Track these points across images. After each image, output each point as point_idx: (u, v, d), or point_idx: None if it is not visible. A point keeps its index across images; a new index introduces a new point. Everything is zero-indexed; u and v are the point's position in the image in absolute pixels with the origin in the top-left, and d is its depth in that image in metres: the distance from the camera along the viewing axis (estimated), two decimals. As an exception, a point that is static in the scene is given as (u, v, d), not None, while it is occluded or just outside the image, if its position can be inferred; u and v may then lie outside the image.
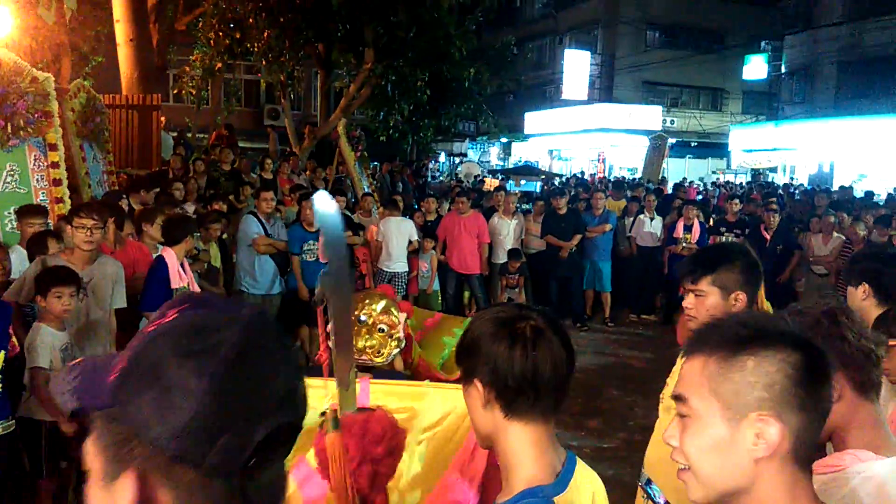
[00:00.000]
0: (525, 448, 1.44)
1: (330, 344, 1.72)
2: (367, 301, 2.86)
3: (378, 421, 1.68)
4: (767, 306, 2.55)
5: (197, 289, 5.33)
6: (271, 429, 0.76)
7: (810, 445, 1.12)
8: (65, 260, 4.32)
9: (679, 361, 2.49)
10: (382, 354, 2.82)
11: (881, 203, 13.23)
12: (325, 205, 1.66)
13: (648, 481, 1.67)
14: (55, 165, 6.06)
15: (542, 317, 1.48)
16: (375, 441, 1.67)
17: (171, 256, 5.05)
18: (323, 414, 1.65)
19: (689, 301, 2.33)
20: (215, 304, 0.82)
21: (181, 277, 5.07)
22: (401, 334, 2.91)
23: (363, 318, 2.79)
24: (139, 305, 4.89)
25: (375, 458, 1.67)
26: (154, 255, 5.33)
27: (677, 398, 1.18)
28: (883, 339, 1.79)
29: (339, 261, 1.67)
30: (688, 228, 9.32)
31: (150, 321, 0.80)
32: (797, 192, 17.28)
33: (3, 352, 3.61)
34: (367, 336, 2.76)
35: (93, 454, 0.78)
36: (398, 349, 2.90)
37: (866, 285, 2.75)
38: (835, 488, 1.47)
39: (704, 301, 2.28)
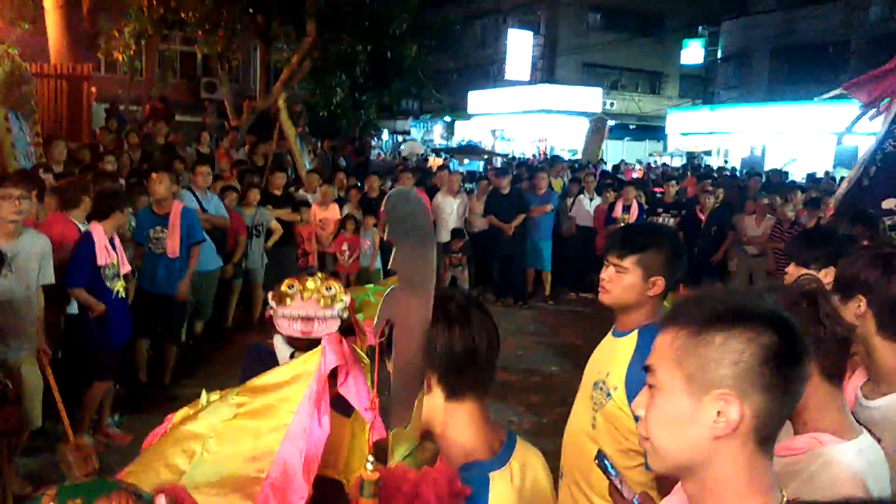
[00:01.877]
0: (464, 427, 1.47)
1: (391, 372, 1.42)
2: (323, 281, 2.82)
3: (433, 485, 1.35)
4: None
5: (127, 266, 5.13)
6: None
7: (775, 427, 1.11)
8: (-14, 234, 4.11)
9: (603, 343, 2.49)
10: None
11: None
12: (405, 201, 1.32)
13: (603, 458, 1.68)
14: (-23, 135, 5.75)
15: (464, 296, 1.51)
16: None
17: (98, 232, 4.84)
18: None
19: (607, 273, 2.31)
20: None
21: (109, 254, 4.88)
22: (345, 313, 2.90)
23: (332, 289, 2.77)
24: (64, 282, 4.69)
25: None
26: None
27: (646, 369, 1.17)
28: (854, 328, 1.80)
29: (417, 276, 1.33)
30: (626, 209, 9.49)
31: None
32: (727, 174, 17.72)
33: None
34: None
35: None
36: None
37: (833, 269, 2.76)
38: (795, 471, 1.49)
39: (623, 277, 2.27)
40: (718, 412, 1.06)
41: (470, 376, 1.45)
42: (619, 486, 1.64)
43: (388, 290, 1.30)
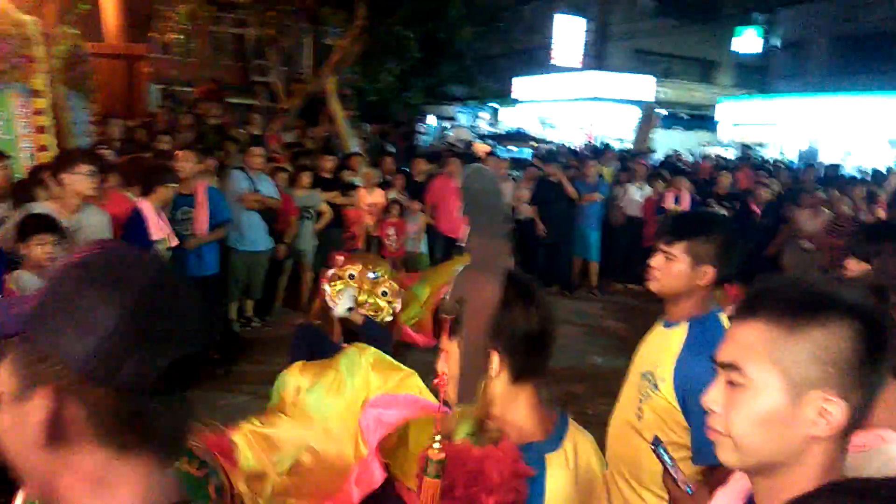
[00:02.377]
0: (522, 408, 1.47)
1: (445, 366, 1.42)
2: (373, 264, 2.85)
3: (497, 463, 1.32)
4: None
5: (176, 241, 5.22)
6: (176, 357, 0.84)
7: (861, 423, 1.07)
8: (52, 208, 4.23)
9: (652, 333, 2.46)
10: (378, 316, 2.83)
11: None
12: (481, 178, 1.30)
13: (659, 444, 1.65)
14: (40, 112, 5.90)
15: (522, 275, 1.51)
16: (487, 489, 1.31)
17: (147, 208, 4.93)
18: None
19: (657, 261, 2.27)
20: (116, 245, 0.91)
21: (160, 228, 4.97)
22: (398, 304, 2.92)
23: (376, 275, 2.78)
24: None
25: None
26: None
27: (728, 365, 1.09)
28: None
29: (489, 254, 1.32)
30: (677, 200, 9.32)
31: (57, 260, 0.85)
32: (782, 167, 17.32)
33: (-1, 297, 3.55)
34: (369, 293, 2.75)
35: (6, 375, 0.84)
36: (391, 317, 2.90)
37: None
38: (856, 467, 1.45)
39: (672, 265, 2.22)
40: (819, 412, 1.02)
41: (539, 358, 1.47)
42: (673, 474, 1.62)
43: (461, 267, 1.29)
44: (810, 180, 10.59)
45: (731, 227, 2.33)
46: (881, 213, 8.13)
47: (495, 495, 1.29)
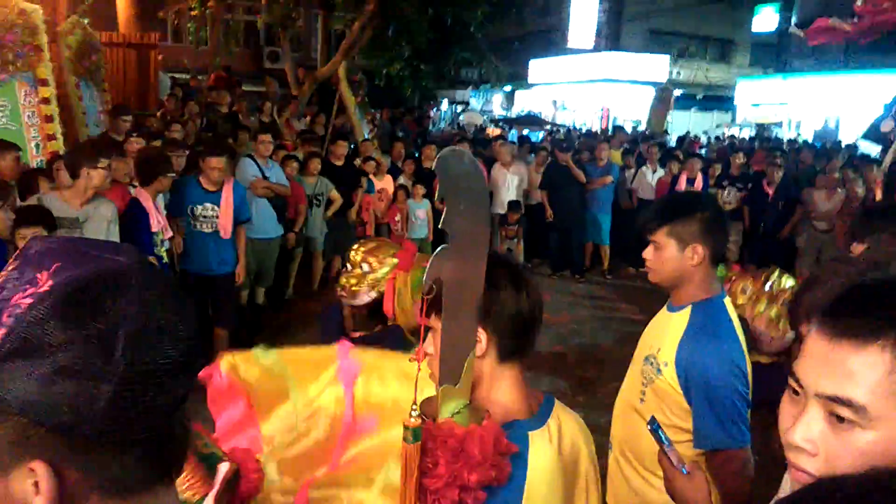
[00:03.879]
0: (507, 388, 1.50)
1: (429, 347, 1.43)
2: (382, 253, 2.79)
3: (478, 441, 1.32)
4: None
5: (170, 231, 5.23)
6: (179, 392, 0.74)
7: None
8: (60, 198, 4.26)
9: (657, 317, 2.41)
10: (355, 296, 2.76)
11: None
12: (458, 161, 1.28)
13: (656, 425, 1.66)
14: (46, 101, 5.93)
15: (509, 259, 1.54)
16: (469, 466, 1.31)
17: (145, 198, 4.93)
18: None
19: (648, 252, 2.26)
20: (89, 258, 0.72)
21: (159, 220, 4.98)
22: (382, 286, 2.86)
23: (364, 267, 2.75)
24: None
25: (465, 485, 1.31)
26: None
27: (837, 399, 0.88)
28: None
29: (469, 235, 1.30)
30: (691, 182, 9.25)
31: (8, 284, 0.70)
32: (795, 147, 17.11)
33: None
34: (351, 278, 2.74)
35: None
36: (373, 296, 2.82)
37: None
38: None
39: (661, 253, 2.21)
40: None
41: (526, 340, 1.49)
42: (668, 454, 1.63)
43: (439, 248, 1.29)
44: (807, 161, 10.45)
45: (711, 202, 2.31)
46: (878, 195, 8.00)
47: (477, 472, 1.31)
